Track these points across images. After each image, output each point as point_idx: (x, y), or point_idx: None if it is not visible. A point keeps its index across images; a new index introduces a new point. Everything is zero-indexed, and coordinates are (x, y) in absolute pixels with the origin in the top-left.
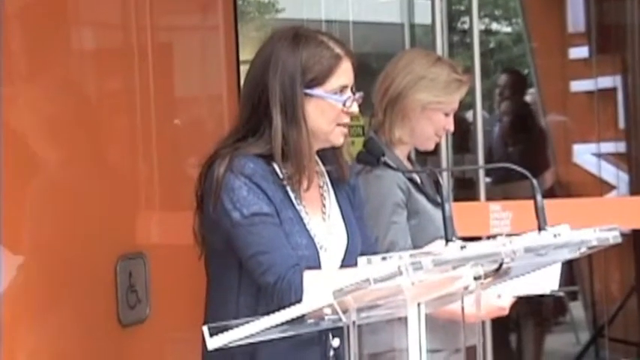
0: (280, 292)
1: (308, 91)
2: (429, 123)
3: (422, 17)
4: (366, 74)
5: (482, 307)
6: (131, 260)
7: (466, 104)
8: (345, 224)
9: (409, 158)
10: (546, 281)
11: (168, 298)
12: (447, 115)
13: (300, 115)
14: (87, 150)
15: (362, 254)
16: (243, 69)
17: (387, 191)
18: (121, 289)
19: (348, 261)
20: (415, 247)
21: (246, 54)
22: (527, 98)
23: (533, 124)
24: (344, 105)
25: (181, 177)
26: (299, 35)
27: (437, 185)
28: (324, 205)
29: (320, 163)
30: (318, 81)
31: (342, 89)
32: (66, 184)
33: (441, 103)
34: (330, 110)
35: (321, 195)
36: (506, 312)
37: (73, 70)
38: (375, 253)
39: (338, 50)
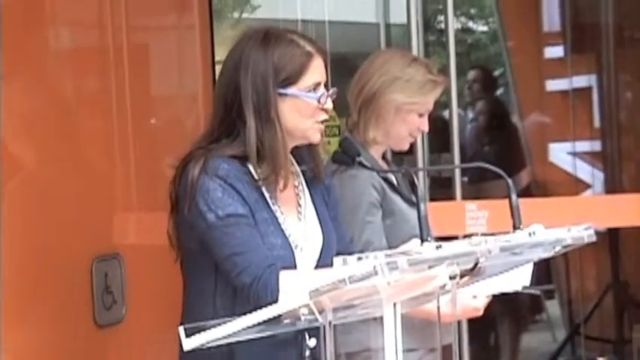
0: (256, 293)
1: (282, 90)
2: (403, 123)
3: (397, 16)
4: (341, 74)
5: (457, 307)
6: (107, 261)
7: (442, 103)
8: (321, 224)
9: (384, 158)
10: (518, 278)
11: (144, 299)
12: (421, 115)
13: (274, 115)
14: (62, 150)
15: (338, 254)
16: (219, 68)
17: (362, 191)
18: (96, 290)
19: (324, 260)
20: (390, 246)
21: (222, 53)
22: (502, 97)
23: (508, 122)
24: (319, 102)
25: (158, 177)
26: (269, 35)
27: (412, 185)
28: (299, 205)
29: (295, 163)
30: (292, 80)
31: (316, 86)
32: (42, 185)
33: (415, 103)
34: (305, 108)
35: (297, 195)
36: (480, 312)
37: (49, 70)
38: (350, 252)
39: (309, 48)
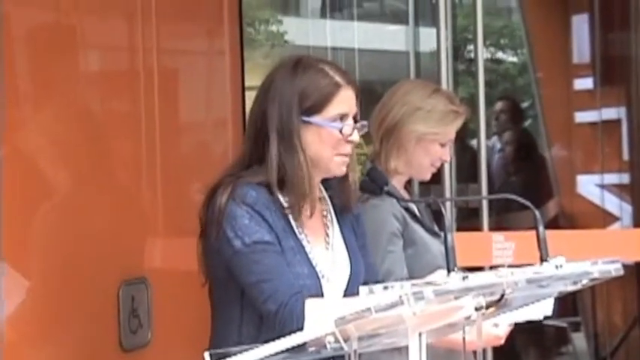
0: (282, 320)
1: (305, 118)
2: (424, 154)
3: (427, 45)
4: (371, 101)
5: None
6: (134, 285)
7: (470, 133)
8: (349, 253)
9: (406, 188)
10: (541, 308)
11: (170, 324)
12: (443, 145)
13: (296, 143)
14: (91, 174)
15: (365, 283)
16: (249, 95)
17: (383, 220)
18: (123, 314)
19: (351, 290)
20: (411, 276)
21: (252, 80)
22: (530, 128)
23: (536, 153)
24: (341, 132)
25: (185, 202)
26: (299, 63)
27: (439, 215)
28: (327, 235)
29: (324, 191)
30: (316, 108)
31: (342, 117)
32: (70, 209)
33: (437, 134)
34: (328, 137)
35: (324, 224)
36: (502, 341)
37: (79, 93)
38: (378, 282)
39: (337, 78)
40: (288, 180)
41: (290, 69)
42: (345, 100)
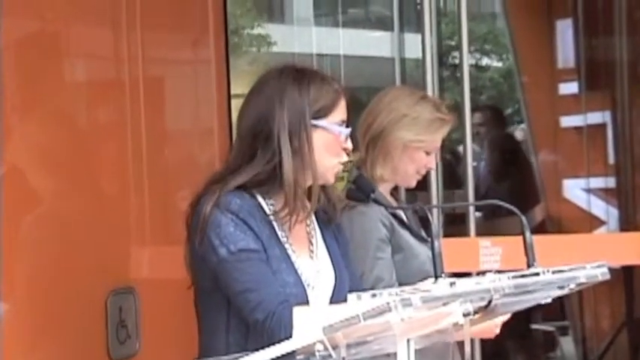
0: (270, 329)
1: (314, 122)
2: (410, 161)
3: (412, 52)
4: (356, 108)
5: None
6: (122, 295)
7: (457, 139)
8: (333, 262)
9: (392, 194)
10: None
11: (158, 334)
12: (428, 153)
13: (305, 147)
14: (78, 184)
15: (350, 291)
16: (235, 103)
17: (371, 227)
18: (111, 324)
19: (336, 299)
20: (399, 282)
21: (238, 88)
22: (517, 133)
23: (522, 158)
24: (345, 137)
25: (172, 211)
26: (302, 71)
27: (426, 222)
28: (311, 243)
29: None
30: (323, 112)
31: (342, 123)
32: (57, 218)
33: (422, 141)
34: (333, 143)
35: (308, 233)
36: (497, 330)
37: (66, 103)
38: (365, 289)
39: (336, 86)
40: (285, 184)
41: (294, 75)
42: (344, 108)
